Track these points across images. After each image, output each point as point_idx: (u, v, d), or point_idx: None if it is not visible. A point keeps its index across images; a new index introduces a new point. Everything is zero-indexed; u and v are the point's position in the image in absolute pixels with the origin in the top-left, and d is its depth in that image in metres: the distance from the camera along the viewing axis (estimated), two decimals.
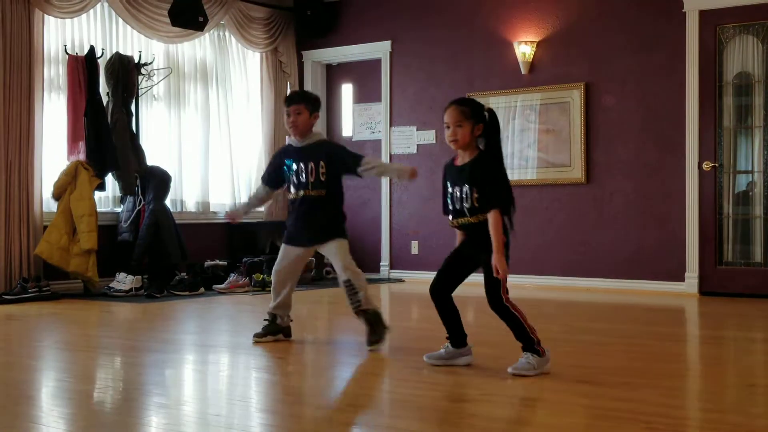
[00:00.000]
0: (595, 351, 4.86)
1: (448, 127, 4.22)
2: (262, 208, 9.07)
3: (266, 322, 5.16)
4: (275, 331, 5.14)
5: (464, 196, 4.15)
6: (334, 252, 5.03)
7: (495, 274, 4.08)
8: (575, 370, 4.25)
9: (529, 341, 4.14)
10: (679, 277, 7.77)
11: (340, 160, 5.01)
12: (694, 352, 5.20)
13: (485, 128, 4.22)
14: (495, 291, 4.16)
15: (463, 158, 4.25)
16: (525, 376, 4.07)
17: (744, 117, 7.63)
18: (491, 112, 4.26)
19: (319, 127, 5.29)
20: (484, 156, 4.21)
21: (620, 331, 5.77)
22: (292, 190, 5.04)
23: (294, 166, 4.99)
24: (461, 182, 4.17)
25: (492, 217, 4.09)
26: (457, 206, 4.19)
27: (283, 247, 5.17)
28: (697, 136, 7.67)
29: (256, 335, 5.13)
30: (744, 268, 7.59)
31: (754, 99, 7.54)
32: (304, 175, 4.96)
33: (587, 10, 8.26)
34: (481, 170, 4.15)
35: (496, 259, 4.07)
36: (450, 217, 4.27)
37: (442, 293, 4.31)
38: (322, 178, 4.95)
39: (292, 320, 5.22)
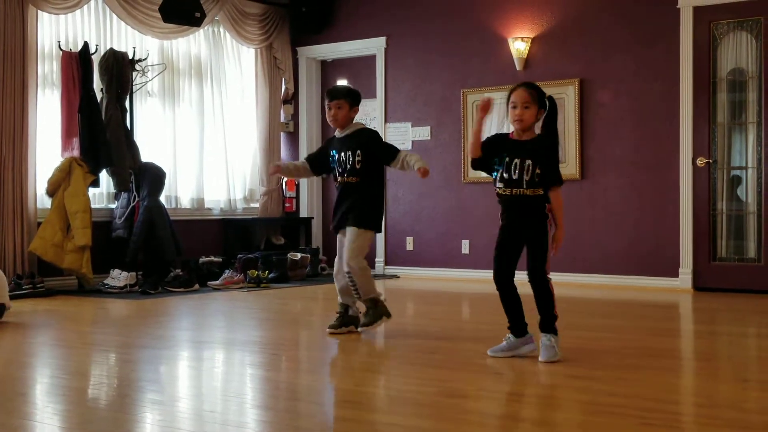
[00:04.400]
0: (589, 347, 4.87)
1: (515, 107, 4.39)
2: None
3: (338, 314, 5.33)
4: (348, 323, 5.30)
5: (526, 167, 4.31)
6: (349, 238, 5.19)
7: (555, 245, 4.35)
8: (570, 366, 4.25)
9: (552, 318, 4.35)
10: (673, 272, 7.78)
11: (374, 150, 5.26)
12: (688, 348, 5.21)
13: (545, 114, 4.45)
14: (541, 263, 4.36)
15: (524, 135, 4.42)
16: (556, 362, 4.25)
17: (738, 113, 7.64)
18: (551, 99, 4.50)
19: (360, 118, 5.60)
20: (546, 138, 4.44)
21: (614, 327, 5.78)
22: (337, 177, 5.31)
23: (336, 155, 5.28)
24: (523, 155, 4.34)
25: (556, 196, 4.39)
26: (515, 176, 4.34)
27: (338, 239, 5.34)
28: (691, 132, 7.68)
29: (331, 326, 5.29)
30: (738, 263, 7.61)
31: (748, 95, 7.55)
32: (344, 163, 5.24)
33: (582, 7, 8.27)
34: (547, 151, 4.38)
35: (560, 234, 4.38)
36: (501, 184, 4.39)
37: (506, 280, 4.42)
38: (357, 166, 5.20)
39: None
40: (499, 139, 4.49)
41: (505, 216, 4.45)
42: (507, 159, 4.35)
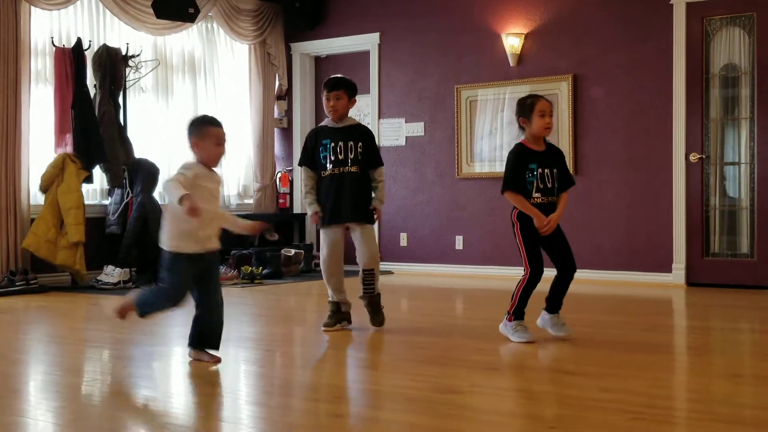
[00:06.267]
0: (582, 342, 4.88)
1: (543, 116, 4.68)
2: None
3: (331, 312, 5.33)
4: (341, 319, 5.32)
5: (554, 176, 4.72)
6: (364, 237, 5.27)
7: (545, 225, 4.64)
8: (562, 362, 4.27)
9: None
10: (667, 268, 7.80)
11: (370, 149, 5.30)
12: (680, 343, 5.23)
13: None
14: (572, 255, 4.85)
15: (537, 145, 4.74)
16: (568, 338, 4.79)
17: (731, 108, 7.65)
18: None
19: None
20: (554, 146, 4.85)
21: (607, 322, 5.80)
22: (329, 167, 5.25)
23: (331, 144, 5.24)
24: (551, 165, 4.73)
25: (566, 196, 4.78)
26: (548, 185, 4.72)
27: (323, 232, 5.36)
28: (684, 127, 7.70)
29: (326, 325, 5.29)
30: (731, 259, 7.63)
31: (741, 90, 7.57)
32: (342, 153, 5.22)
33: (575, 3, 8.27)
34: (562, 158, 4.83)
35: (556, 219, 4.68)
36: (539, 194, 4.69)
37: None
38: (359, 157, 5.23)
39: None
40: (525, 151, 4.73)
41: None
42: (539, 170, 4.67)
